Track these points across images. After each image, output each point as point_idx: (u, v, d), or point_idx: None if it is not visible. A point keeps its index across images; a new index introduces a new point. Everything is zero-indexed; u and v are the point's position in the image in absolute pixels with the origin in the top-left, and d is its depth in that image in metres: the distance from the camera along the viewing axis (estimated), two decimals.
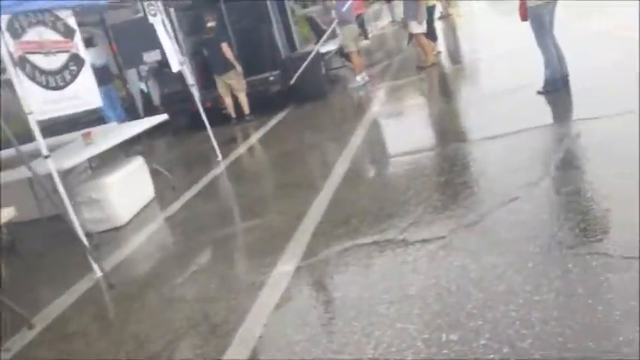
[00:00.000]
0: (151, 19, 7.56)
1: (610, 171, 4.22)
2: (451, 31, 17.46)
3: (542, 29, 6.60)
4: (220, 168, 8.01)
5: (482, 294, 3.18)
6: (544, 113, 6.33)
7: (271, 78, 10.93)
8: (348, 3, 11.22)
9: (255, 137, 9.62)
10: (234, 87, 10.74)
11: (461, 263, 3.55)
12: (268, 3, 11.48)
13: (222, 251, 4.98)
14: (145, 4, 7.48)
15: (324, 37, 11.16)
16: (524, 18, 6.61)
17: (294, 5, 13.11)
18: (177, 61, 7.96)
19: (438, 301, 3.25)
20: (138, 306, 4.29)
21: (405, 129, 7.51)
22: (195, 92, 8.62)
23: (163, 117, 7.33)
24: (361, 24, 19.88)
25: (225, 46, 10.48)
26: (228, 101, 10.87)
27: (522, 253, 3.44)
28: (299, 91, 11.11)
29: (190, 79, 8.36)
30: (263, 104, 11.22)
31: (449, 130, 6.77)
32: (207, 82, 11.21)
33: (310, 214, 5.16)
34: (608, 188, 3.97)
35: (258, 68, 11.13)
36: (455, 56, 12.67)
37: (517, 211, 4.02)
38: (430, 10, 12.20)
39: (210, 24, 10.62)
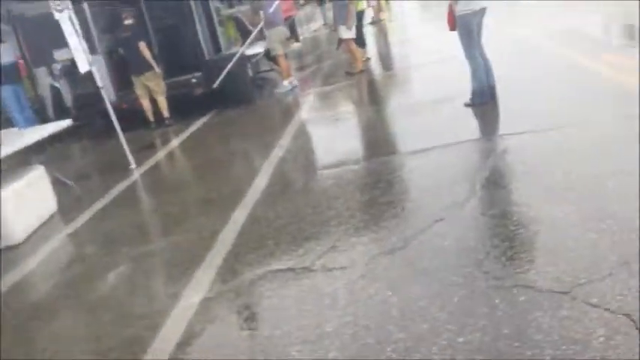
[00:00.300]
0: (57, 16, 6.97)
1: (538, 192, 4.04)
2: (382, 36, 17.39)
3: (470, 39, 6.44)
4: (133, 178, 7.49)
5: (403, 333, 2.88)
6: (471, 126, 6.17)
7: (193, 80, 10.42)
8: (275, 4, 10.86)
9: (173, 144, 9.11)
10: (152, 89, 10.18)
11: (382, 297, 3.24)
12: (192, 2, 10.97)
13: (124, 277, 4.51)
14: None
15: (250, 38, 10.73)
16: (452, 27, 6.44)
17: (220, 5, 12.58)
18: (85, 61, 7.37)
19: (355, 341, 2.93)
20: (21, 340, 3.79)
21: (331, 139, 7.20)
22: (105, 95, 8.04)
23: (66, 122, 6.75)
24: (292, 26, 19.57)
25: (142, 46, 9.90)
26: (146, 104, 10.30)
27: (447, 285, 3.16)
28: (223, 95, 10.66)
29: (100, 80, 7.78)
30: (184, 108, 10.70)
31: (376, 142, 6.50)
32: (124, 83, 10.60)
33: (225, 234, 4.77)
34: (535, 211, 3.77)
35: (180, 70, 10.60)
36: (385, 63, 12.52)
37: (442, 234, 3.76)
38: (359, 16, 12.00)
39: (127, 21, 10.02)
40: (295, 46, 18.78)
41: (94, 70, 7.69)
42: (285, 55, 11.34)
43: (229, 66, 10.25)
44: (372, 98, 9.51)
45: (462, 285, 3.13)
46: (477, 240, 3.58)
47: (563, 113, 5.61)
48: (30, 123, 10.94)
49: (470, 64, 6.55)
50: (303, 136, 7.75)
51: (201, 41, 11.05)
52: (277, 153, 6.87)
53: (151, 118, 10.39)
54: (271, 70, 12.90)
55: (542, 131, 5.22)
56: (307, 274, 3.74)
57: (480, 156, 5.17)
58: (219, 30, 11.66)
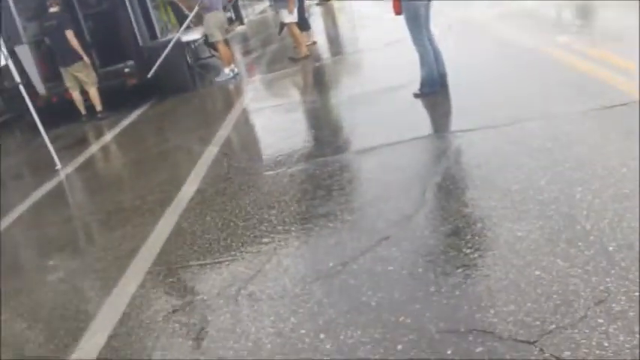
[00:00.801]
0: None
1: (496, 203, 3.52)
2: (330, 18, 16.75)
3: (417, 25, 5.88)
4: (56, 180, 6.78)
5: None
6: (422, 120, 5.64)
7: (126, 70, 9.66)
8: None
9: (104, 139, 8.38)
10: (82, 80, 9.38)
11: (313, 340, 2.70)
12: None
13: (17, 312, 3.86)
14: None
15: (185, 24, 9.96)
16: (397, 11, 5.87)
17: None
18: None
19: None
20: None
21: (270, 136, 6.57)
22: (24, 91, 7.24)
23: None
24: (236, 8, 18.71)
25: (70, 34, 9.08)
26: (77, 96, 9.50)
27: (390, 328, 2.63)
28: (160, 84, 9.94)
29: (17, 76, 6.94)
30: (119, 99, 9.93)
31: (318, 139, 5.90)
32: (52, 74, 9.77)
33: (143, 253, 4.16)
34: (493, 230, 3.25)
35: (113, 58, 9.83)
36: (333, 47, 11.89)
37: (386, 258, 3.21)
38: None
39: (52, 9, 9.16)
40: (240, 29, 18.01)
41: (10, 64, 6.86)
42: (226, 41, 10.63)
43: (164, 54, 9.51)
44: (316, 87, 8.87)
45: (407, 328, 2.60)
46: (427, 267, 3.05)
47: (520, 105, 5.11)
48: None
49: (417, 50, 6.01)
50: (240, 131, 7.12)
51: (135, 27, 10.25)
52: (212, 150, 6.25)
53: (83, 111, 9.60)
54: (212, 56, 12.18)
55: (499, 127, 4.71)
56: (228, 305, 3.16)
57: (430, 156, 4.63)
58: (153, 15, 10.87)
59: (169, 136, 7.86)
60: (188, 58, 10.42)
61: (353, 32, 13.18)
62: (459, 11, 10.83)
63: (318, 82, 9.09)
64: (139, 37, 10.30)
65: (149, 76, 9.59)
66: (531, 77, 5.87)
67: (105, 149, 7.99)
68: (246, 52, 14.02)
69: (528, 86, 5.59)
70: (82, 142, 8.55)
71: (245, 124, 7.46)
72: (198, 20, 10.83)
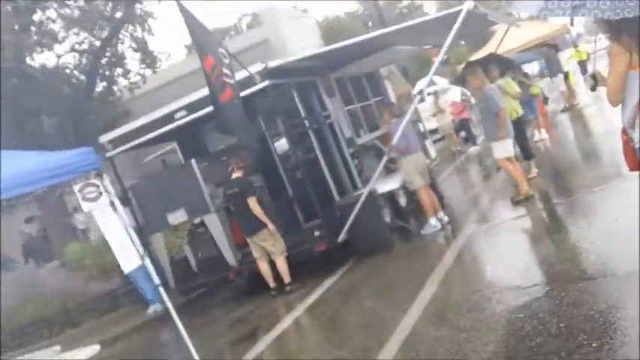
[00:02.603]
0: (86, 206, 5.54)
1: None
2: (581, 128, 14.18)
3: None
4: None
5: None
6: None
7: (316, 233, 8.53)
8: (403, 124, 8.55)
9: (285, 323, 7.18)
10: (269, 249, 8.46)
11: None
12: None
13: None
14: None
15: (375, 175, 8.59)
16: (633, 166, 3.79)
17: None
18: (127, 260, 5.76)
19: None
20: None
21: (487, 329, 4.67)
22: (163, 292, 6.27)
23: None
24: (466, 126, 17.13)
25: (252, 202, 8.30)
26: (264, 268, 8.53)
27: None
28: (354, 246, 8.65)
29: (156, 278, 6.04)
30: (310, 264, 8.84)
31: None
32: (244, 244, 9.06)
33: None
34: None
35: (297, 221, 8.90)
36: (581, 173, 9.38)
37: None
38: (519, 122, 9.43)
39: (235, 174, 8.56)
40: (473, 150, 16.37)
41: (148, 264, 6.00)
42: (433, 184, 8.99)
43: (354, 212, 8.23)
44: (554, 254, 6.29)
45: None
46: None
47: None
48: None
49: None
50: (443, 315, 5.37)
51: (329, 179, 9.23)
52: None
53: (271, 283, 8.60)
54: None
55: None
56: None
57: None
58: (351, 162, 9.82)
59: (366, 315, 6.37)
60: (386, 211, 9.03)
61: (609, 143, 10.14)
62: None
63: (556, 244, 6.60)
64: (333, 191, 9.27)
65: (339, 240, 8.35)
66: None
67: (287, 336, 6.80)
68: (468, 186, 12.27)
69: None
70: (255, 329, 7.45)
71: (446, 311, 5.65)
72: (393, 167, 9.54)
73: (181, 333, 6.03)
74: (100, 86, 18.16)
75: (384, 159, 8.38)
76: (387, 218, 8.98)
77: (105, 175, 5.73)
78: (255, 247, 8.50)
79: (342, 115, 10.08)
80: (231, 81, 7.27)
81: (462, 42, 35.97)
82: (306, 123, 9.24)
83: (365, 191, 8.37)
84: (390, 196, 9.33)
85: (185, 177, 9.01)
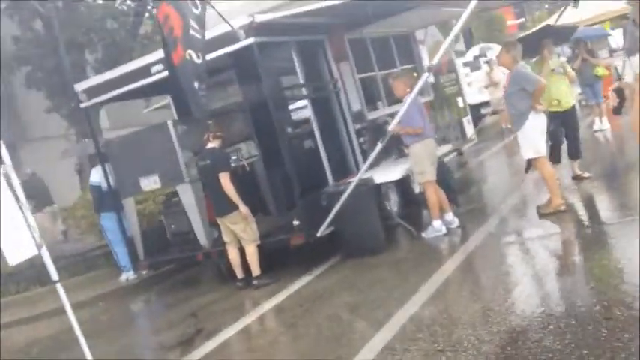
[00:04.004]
0: None
1: None
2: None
3: None
4: None
5: None
6: None
7: (296, 223, 7.26)
8: (416, 102, 7.23)
9: (239, 325, 6.08)
10: (239, 235, 7.30)
11: None
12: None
13: None
14: None
15: (371, 156, 7.06)
16: None
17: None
18: (16, 248, 4.69)
19: None
20: None
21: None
22: None
23: None
24: None
25: (224, 178, 7.12)
26: (233, 254, 7.39)
27: None
28: (340, 242, 7.39)
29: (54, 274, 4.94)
30: (286, 259, 7.66)
31: None
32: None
33: None
34: None
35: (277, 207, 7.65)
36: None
37: None
38: (570, 114, 7.81)
39: (210, 144, 7.34)
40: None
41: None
42: (434, 184, 7.48)
43: (339, 203, 6.93)
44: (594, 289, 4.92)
45: None
46: None
47: None
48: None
49: None
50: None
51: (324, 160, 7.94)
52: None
53: (239, 273, 7.46)
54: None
55: None
56: None
57: None
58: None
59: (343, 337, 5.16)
60: (382, 206, 7.67)
61: None
62: None
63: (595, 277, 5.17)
64: (329, 175, 7.97)
65: (319, 234, 7.09)
66: None
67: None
68: (503, 177, 10.61)
69: None
70: (209, 330, 6.36)
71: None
72: (400, 152, 8.10)
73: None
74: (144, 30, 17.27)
75: (382, 141, 6.85)
76: (383, 214, 7.61)
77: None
78: (226, 230, 7.36)
79: (353, 84, 8.62)
80: (195, 36, 5.96)
81: (546, 5, 33.02)
82: (303, 91, 7.89)
83: (355, 179, 7.01)
84: (390, 187, 7.94)
85: (160, 140, 7.88)
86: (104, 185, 8.73)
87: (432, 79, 11.33)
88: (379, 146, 6.83)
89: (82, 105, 8.42)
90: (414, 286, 5.71)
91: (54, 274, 4.81)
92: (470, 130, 12.11)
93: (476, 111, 15.44)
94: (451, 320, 4.71)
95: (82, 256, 9.69)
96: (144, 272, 9.03)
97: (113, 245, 9.15)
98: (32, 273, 9.34)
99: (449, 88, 11.93)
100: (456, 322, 4.66)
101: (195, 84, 5.84)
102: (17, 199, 4.61)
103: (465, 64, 18.12)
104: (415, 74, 11.09)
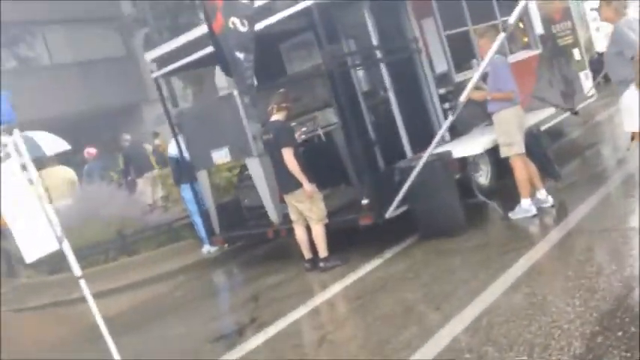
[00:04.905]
0: None
1: None
2: None
3: None
4: None
5: None
6: None
7: (364, 202, 6.63)
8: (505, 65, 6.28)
9: (301, 310, 5.64)
10: (305, 214, 6.81)
11: None
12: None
13: None
14: None
15: (445, 126, 6.24)
16: None
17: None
18: (35, 244, 4.46)
19: None
20: None
21: None
22: None
23: None
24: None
25: (287, 153, 6.61)
26: (300, 234, 6.94)
27: None
28: (414, 222, 6.68)
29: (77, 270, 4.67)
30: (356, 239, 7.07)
31: None
32: None
33: None
34: None
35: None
36: None
37: None
38: None
39: (275, 116, 6.79)
40: None
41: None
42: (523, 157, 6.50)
43: (410, 178, 6.18)
44: None
45: None
46: None
47: None
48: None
49: None
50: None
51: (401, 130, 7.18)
52: None
53: (306, 254, 7.00)
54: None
55: None
56: None
57: None
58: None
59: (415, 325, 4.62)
60: (472, 181, 6.83)
61: None
62: None
63: None
64: (406, 147, 7.21)
65: (387, 215, 6.42)
66: None
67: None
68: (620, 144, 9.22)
69: None
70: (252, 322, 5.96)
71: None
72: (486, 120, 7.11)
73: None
74: None
75: (453, 113, 5.95)
76: (466, 191, 6.77)
77: (16, 130, 4.42)
78: (292, 208, 6.89)
79: (439, 42, 7.68)
80: (241, 2, 5.40)
81: None
82: (377, 54, 7.11)
83: (426, 153, 6.20)
84: (479, 158, 7.05)
85: (228, 111, 7.48)
86: (180, 157, 8.57)
87: (540, 30, 10.07)
88: (450, 119, 5.95)
89: (153, 75, 8.20)
90: (494, 273, 5.08)
91: (76, 270, 4.56)
92: (588, 85, 10.68)
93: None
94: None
95: (168, 225, 9.66)
96: (225, 246, 8.85)
97: (193, 216, 9.04)
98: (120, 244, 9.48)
99: (563, 39, 10.56)
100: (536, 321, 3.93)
101: (240, 55, 5.30)
102: (35, 191, 4.38)
103: (592, 9, 16.36)
104: (521, 25, 9.92)
